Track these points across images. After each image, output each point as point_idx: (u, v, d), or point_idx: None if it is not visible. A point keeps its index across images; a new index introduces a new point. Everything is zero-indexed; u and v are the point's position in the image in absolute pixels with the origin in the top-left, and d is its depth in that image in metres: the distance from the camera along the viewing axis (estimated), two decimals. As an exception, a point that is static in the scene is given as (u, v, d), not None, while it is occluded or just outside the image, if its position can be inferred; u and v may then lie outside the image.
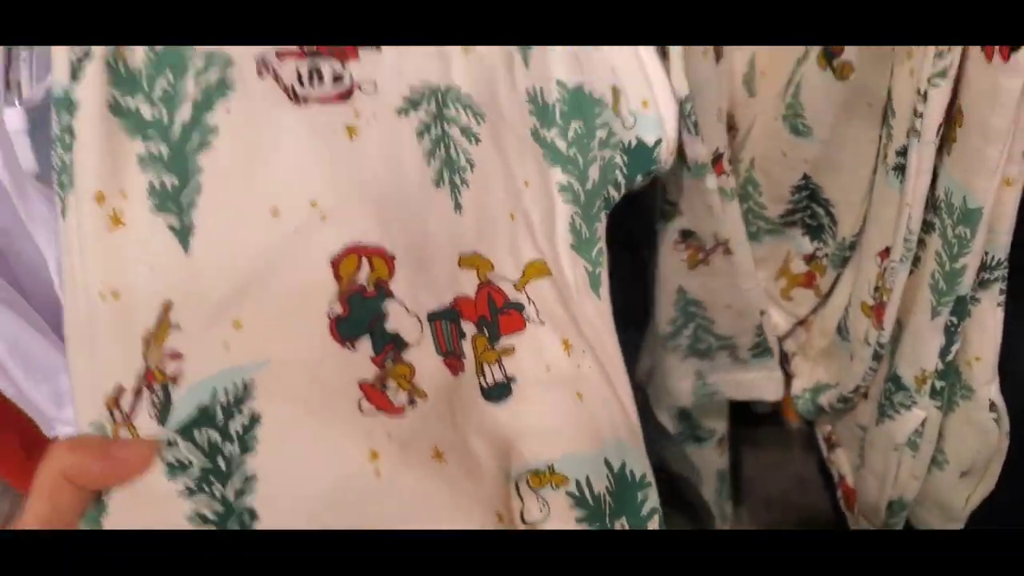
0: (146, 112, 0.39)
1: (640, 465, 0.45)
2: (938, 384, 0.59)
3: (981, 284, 0.55)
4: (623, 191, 0.50)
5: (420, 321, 0.42)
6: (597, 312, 0.48)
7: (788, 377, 0.75)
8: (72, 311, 0.38)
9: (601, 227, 0.49)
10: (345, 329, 0.39)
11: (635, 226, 0.65)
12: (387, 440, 0.38)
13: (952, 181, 0.51)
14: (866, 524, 0.75)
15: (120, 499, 0.36)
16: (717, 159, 0.57)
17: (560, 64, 0.48)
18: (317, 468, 0.37)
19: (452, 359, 0.43)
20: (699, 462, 0.85)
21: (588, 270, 0.48)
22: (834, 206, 0.65)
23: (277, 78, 0.40)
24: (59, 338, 0.66)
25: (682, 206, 0.61)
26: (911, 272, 0.57)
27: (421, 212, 0.43)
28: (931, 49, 0.47)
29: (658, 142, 0.49)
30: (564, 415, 0.44)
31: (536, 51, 0.47)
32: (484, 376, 0.44)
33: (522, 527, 0.42)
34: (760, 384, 0.73)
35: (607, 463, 0.44)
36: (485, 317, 0.44)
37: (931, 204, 0.54)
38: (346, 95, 0.42)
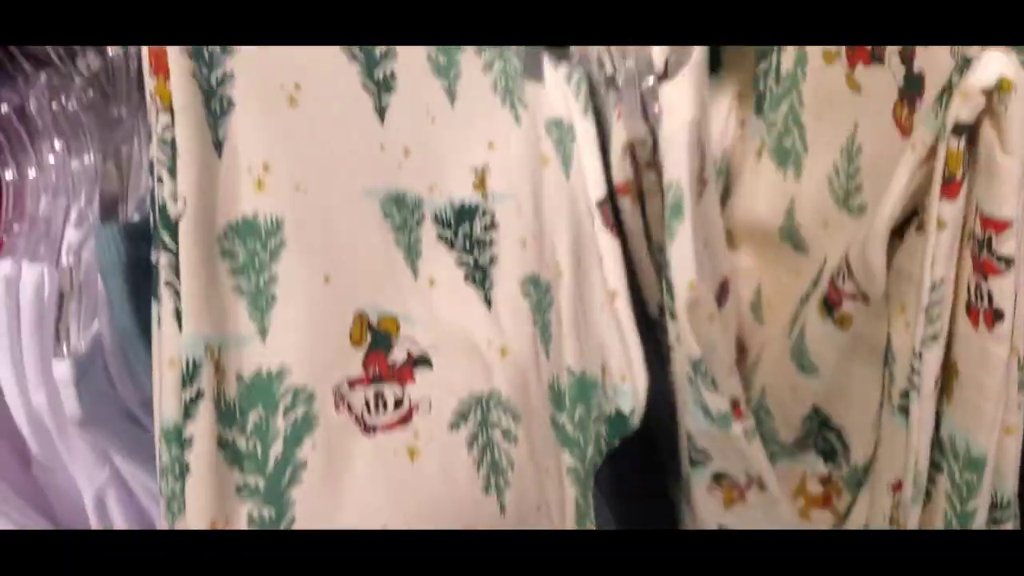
0: (241, 444, 0.43)
1: None
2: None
3: (994, 522, 0.56)
4: (604, 457, 0.54)
5: None
6: None
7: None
8: None
9: (590, 494, 0.52)
10: None
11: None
12: None
13: (954, 428, 0.53)
14: None
15: None
16: (735, 405, 0.60)
17: (570, 352, 0.52)
18: None
19: None
20: None
21: None
22: (845, 433, 0.67)
23: (350, 408, 0.44)
24: None
25: (712, 452, 0.63)
26: (925, 504, 0.58)
27: (472, 522, 0.46)
28: (922, 315, 0.50)
29: (632, 410, 0.55)
30: None
31: (554, 343, 0.52)
32: None
33: None
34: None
35: None
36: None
37: (937, 446, 0.56)
38: (407, 418, 0.46)
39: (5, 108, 0.71)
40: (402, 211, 0.52)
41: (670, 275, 0.55)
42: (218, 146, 0.47)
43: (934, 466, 0.57)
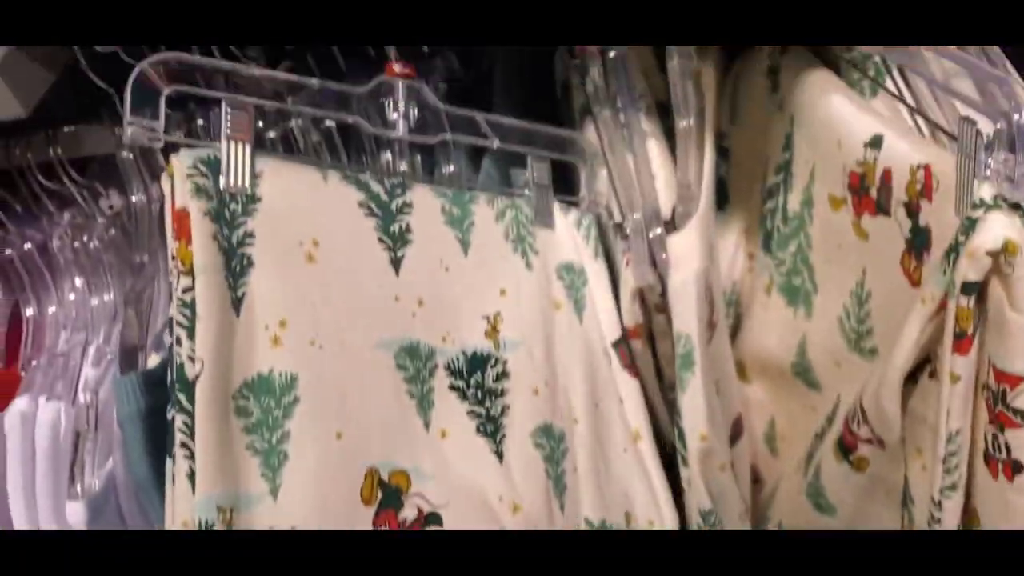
0: None
1: None
2: None
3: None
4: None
5: None
6: None
7: None
8: None
9: None
10: None
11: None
12: None
13: None
14: None
15: None
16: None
17: (588, 502, 0.52)
18: None
19: None
20: None
21: None
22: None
23: None
24: None
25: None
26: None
27: None
28: (939, 465, 0.50)
29: None
30: None
31: (569, 493, 0.51)
32: None
33: None
34: None
35: None
36: None
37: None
38: None
39: (28, 246, 0.73)
40: (415, 362, 0.52)
41: (682, 424, 0.56)
42: (236, 304, 0.47)
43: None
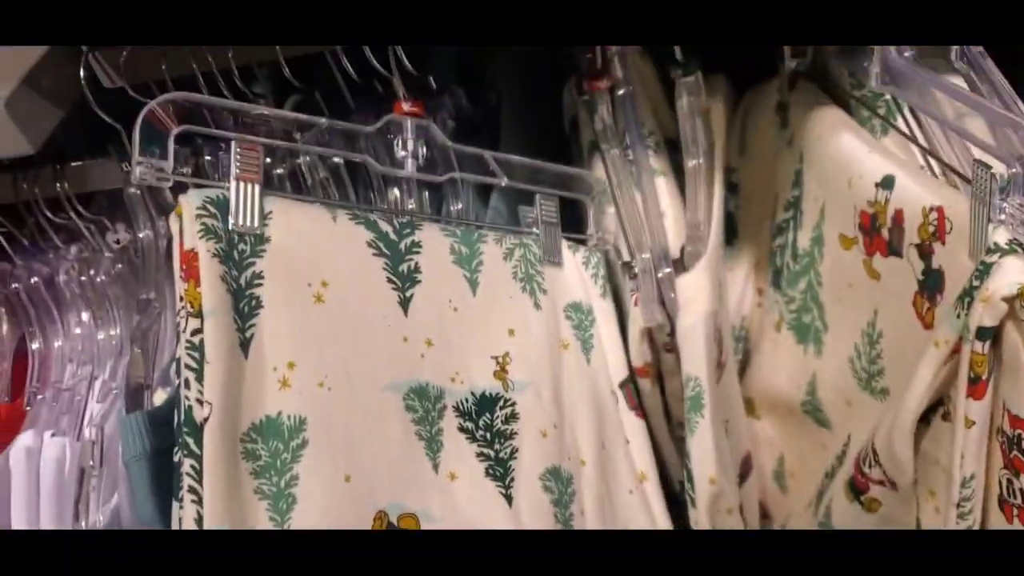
0: None
1: None
2: None
3: None
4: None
5: None
6: None
7: None
8: None
9: None
10: None
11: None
12: None
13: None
14: None
15: None
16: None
17: None
18: None
19: None
20: None
21: None
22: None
23: None
24: None
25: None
26: None
27: None
28: (953, 510, 0.49)
29: None
30: None
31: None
32: None
33: None
34: None
35: None
36: None
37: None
38: None
39: (35, 279, 0.73)
40: (424, 403, 0.52)
41: (691, 466, 0.55)
42: (245, 346, 0.47)
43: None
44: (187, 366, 0.45)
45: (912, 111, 0.57)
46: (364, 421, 0.49)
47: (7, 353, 0.74)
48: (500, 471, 0.53)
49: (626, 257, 0.59)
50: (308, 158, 0.62)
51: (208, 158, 0.65)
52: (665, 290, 0.56)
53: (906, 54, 0.55)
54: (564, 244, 0.62)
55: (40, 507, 0.64)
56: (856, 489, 0.57)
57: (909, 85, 0.54)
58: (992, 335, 0.44)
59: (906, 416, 0.50)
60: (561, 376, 0.58)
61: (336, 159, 0.62)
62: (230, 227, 0.48)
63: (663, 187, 0.62)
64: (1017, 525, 0.48)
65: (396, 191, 0.62)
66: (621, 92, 0.64)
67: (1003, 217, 0.44)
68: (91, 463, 0.63)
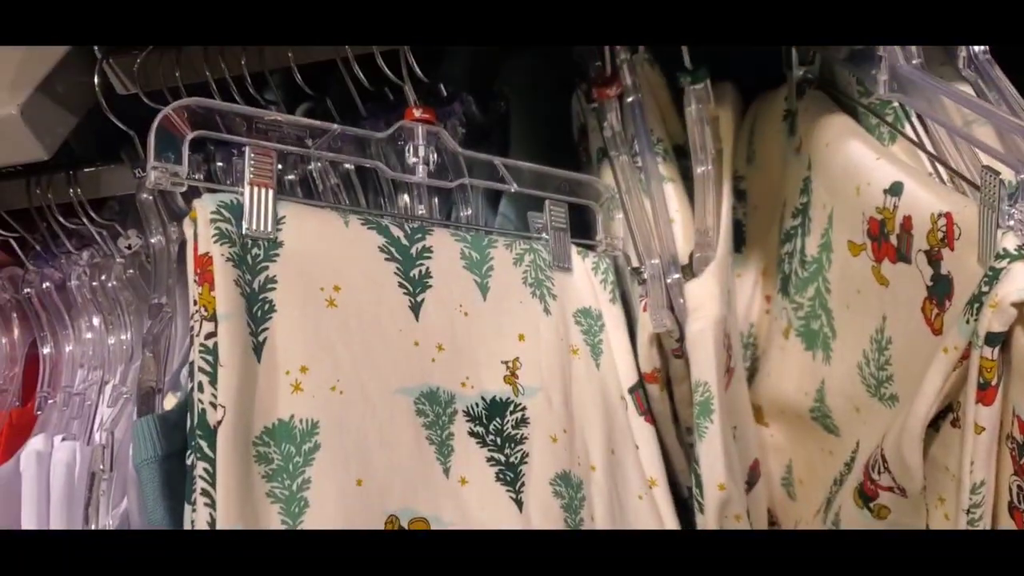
0: None
1: None
2: None
3: None
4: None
5: None
6: None
7: None
8: None
9: None
10: None
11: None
12: None
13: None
14: None
15: None
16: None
17: None
18: None
19: None
20: None
21: None
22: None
23: None
24: None
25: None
26: None
27: None
28: (963, 516, 0.49)
29: None
30: None
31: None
32: None
33: None
34: None
35: None
36: None
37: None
38: None
39: (47, 284, 0.74)
40: (435, 407, 0.52)
41: (700, 472, 0.55)
42: (258, 350, 0.48)
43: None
44: (200, 369, 0.46)
45: (920, 118, 0.57)
46: (376, 425, 0.50)
47: (19, 357, 0.75)
48: (510, 476, 0.53)
49: (635, 263, 0.59)
50: (320, 164, 0.62)
51: (220, 164, 0.65)
52: (674, 296, 0.56)
53: (914, 61, 0.55)
54: (573, 250, 0.62)
55: (50, 511, 0.64)
56: (865, 496, 0.57)
57: (917, 92, 0.54)
58: (1001, 341, 0.44)
59: (915, 422, 0.50)
60: (571, 381, 0.58)
61: (347, 165, 0.63)
62: (244, 231, 0.49)
63: (672, 193, 0.62)
64: (1027, 531, 0.48)
65: (406, 197, 0.62)
66: (630, 99, 0.65)
67: (1012, 223, 0.44)
68: (101, 467, 0.63)
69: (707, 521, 0.55)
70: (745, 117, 0.74)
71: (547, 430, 0.55)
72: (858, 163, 0.58)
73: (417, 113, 0.58)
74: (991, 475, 0.48)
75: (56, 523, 0.64)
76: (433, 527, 0.50)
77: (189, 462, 0.46)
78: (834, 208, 0.61)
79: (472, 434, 0.53)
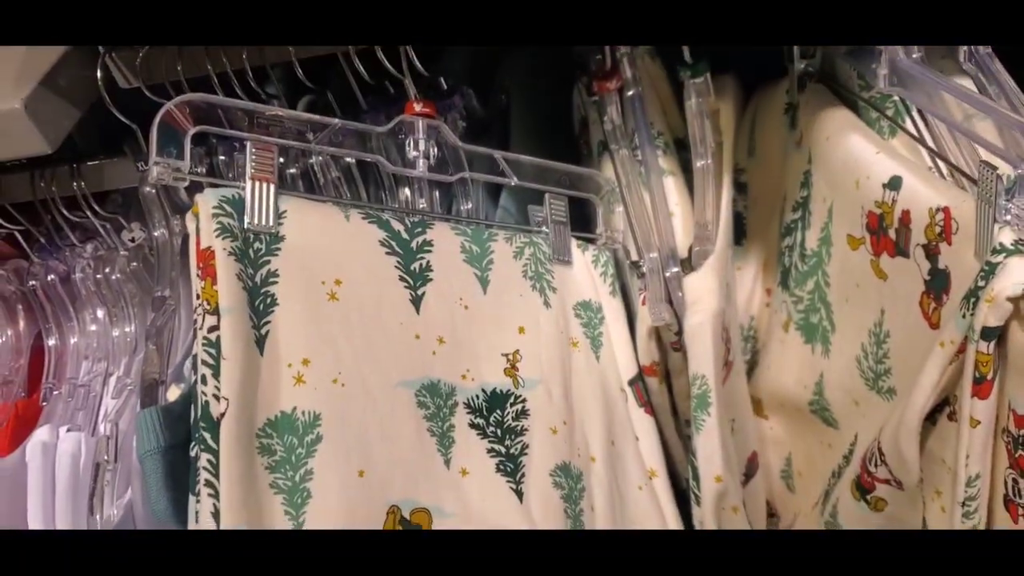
0: None
1: None
2: None
3: None
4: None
5: None
6: None
7: None
8: None
9: None
10: None
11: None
12: None
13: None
14: None
15: None
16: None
17: None
18: None
19: None
20: None
21: None
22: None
23: None
24: None
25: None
26: None
27: None
28: (959, 509, 0.49)
29: None
30: None
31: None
32: None
33: None
34: None
35: None
36: None
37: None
38: None
39: (51, 277, 0.74)
40: (435, 399, 0.53)
41: (697, 464, 0.56)
42: (260, 343, 0.48)
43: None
44: (204, 362, 0.46)
45: (920, 113, 0.57)
46: (377, 417, 0.50)
47: (24, 349, 0.75)
48: (511, 467, 0.54)
49: (634, 256, 0.60)
50: (320, 158, 0.63)
51: (222, 158, 0.65)
52: (673, 289, 0.56)
53: (914, 55, 0.55)
54: (573, 243, 0.62)
55: (56, 501, 0.65)
56: (862, 488, 0.57)
57: (917, 87, 0.54)
58: (997, 335, 0.45)
59: (912, 415, 0.50)
60: (571, 374, 0.58)
61: (348, 159, 0.63)
62: (245, 226, 0.49)
63: (672, 187, 0.62)
64: (1023, 525, 0.48)
65: (407, 191, 0.62)
66: (630, 93, 0.65)
67: (1008, 218, 0.44)
68: (106, 458, 0.64)
69: (704, 513, 0.56)
70: (746, 110, 0.74)
71: (547, 422, 0.56)
72: (858, 157, 0.58)
73: (417, 107, 0.59)
74: (986, 468, 0.48)
75: (61, 513, 0.64)
76: (435, 517, 0.50)
77: (193, 454, 0.46)
78: (834, 202, 0.61)
79: (473, 426, 0.54)
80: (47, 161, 0.65)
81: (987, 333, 0.44)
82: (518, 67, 0.75)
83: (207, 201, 0.48)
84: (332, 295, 0.51)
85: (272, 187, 0.50)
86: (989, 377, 0.46)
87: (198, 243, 0.48)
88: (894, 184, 0.54)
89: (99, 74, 0.60)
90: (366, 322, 0.52)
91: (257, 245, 0.49)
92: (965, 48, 0.56)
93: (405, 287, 0.54)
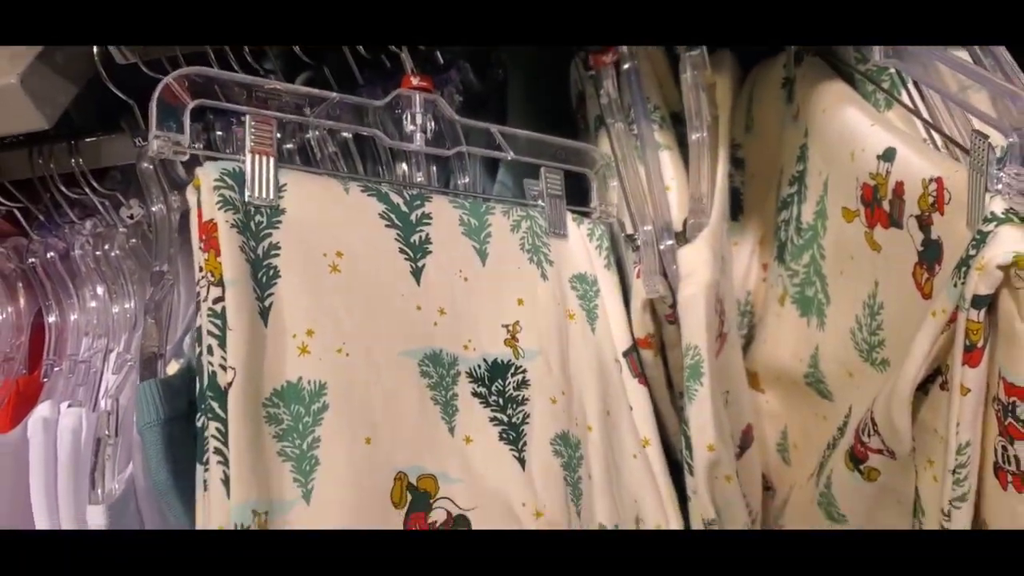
0: None
1: None
2: None
3: None
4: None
5: None
6: None
7: None
8: None
9: None
10: None
11: None
12: None
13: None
14: None
15: None
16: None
17: (602, 509, 0.53)
18: None
19: None
20: None
21: None
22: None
23: None
24: None
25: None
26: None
27: None
28: (949, 476, 0.50)
29: None
30: None
31: (585, 500, 0.52)
32: None
33: None
34: None
35: None
36: None
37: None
38: None
39: (51, 254, 0.74)
40: (438, 369, 0.53)
41: (689, 434, 0.56)
42: (264, 314, 0.48)
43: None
44: (210, 333, 0.46)
45: (916, 85, 0.57)
46: (381, 386, 0.51)
47: (25, 326, 0.76)
48: (513, 435, 0.54)
49: (629, 229, 0.60)
50: (318, 132, 0.63)
51: (219, 133, 0.66)
52: (667, 262, 0.57)
53: (910, 27, 0.55)
54: (569, 216, 0.63)
55: (57, 476, 0.66)
56: (856, 458, 0.58)
57: (913, 58, 0.54)
58: (987, 303, 0.45)
59: (904, 385, 0.51)
60: (568, 345, 0.59)
61: (345, 134, 0.63)
62: (246, 199, 0.49)
63: (667, 160, 0.63)
64: (1011, 491, 0.49)
65: (404, 165, 0.63)
66: (627, 66, 0.65)
67: (1000, 187, 0.45)
68: (107, 433, 0.65)
69: (696, 482, 0.56)
70: (744, 85, 0.74)
71: (547, 392, 0.56)
72: (853, 129, 0.58)
73: (414, 81, 0.59)
74: (977, 436, 0.49)
75: (63, 488, 0.65)
76: (440, 483, 0.51)
77: (200, 424, 0.47)
78: (829, 175, 0.61)
79: (475, 395, 0.54)
80: (44, 138, 0.66)
81: (977, 301, 0.45)
82: (515, 42, 0.75)
83: (208, 174, 0.49)
84: (334, 267, 0.51)
85: (272, 160, 0.50)
86: (979, 345, 0.46)
87: (200, 216, 0.48)
88: (888, 156, 0.54)
89: (95, 49, 0.60)
90: (368, 293, 0.52)
91: (258, 218, 0.49)
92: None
93: (405, 259, 0.54)
